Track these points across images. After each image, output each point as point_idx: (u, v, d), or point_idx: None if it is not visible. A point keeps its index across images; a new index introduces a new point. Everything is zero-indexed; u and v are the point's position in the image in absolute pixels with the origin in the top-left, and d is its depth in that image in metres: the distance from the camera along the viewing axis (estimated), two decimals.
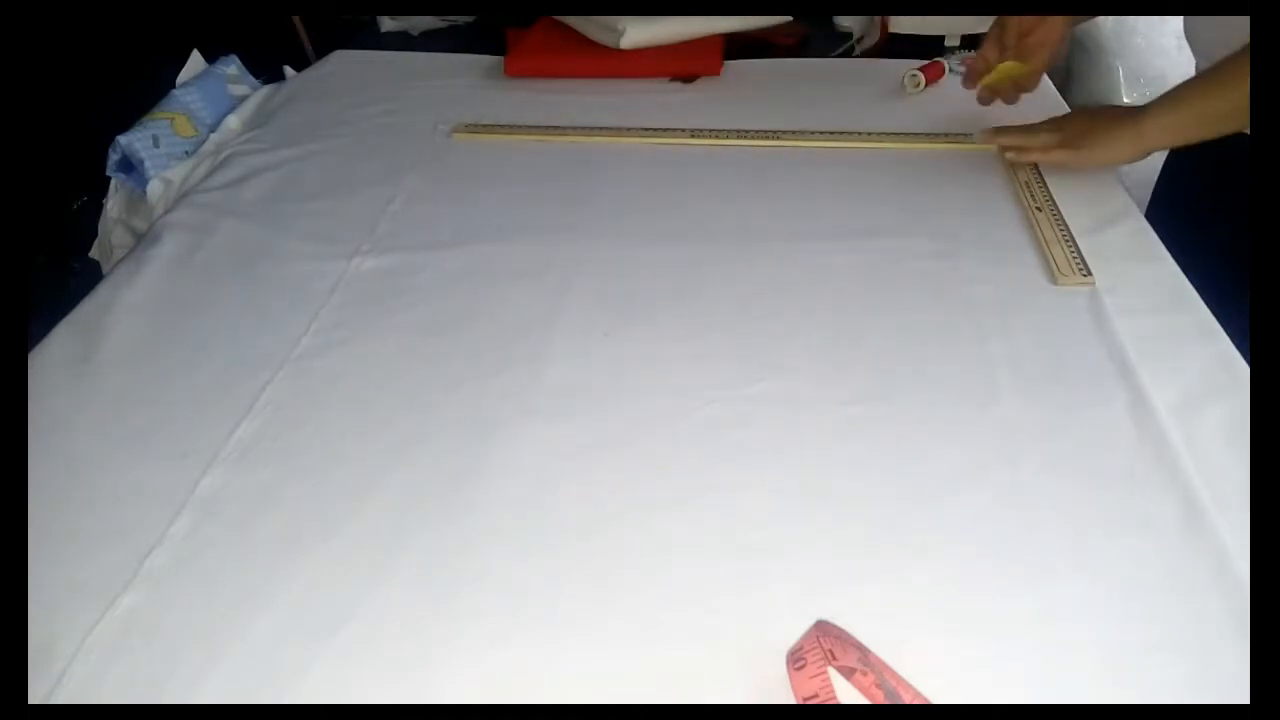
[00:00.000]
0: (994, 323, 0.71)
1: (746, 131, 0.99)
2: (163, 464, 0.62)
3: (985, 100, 0.96)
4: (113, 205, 1.06)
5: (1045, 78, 1.12)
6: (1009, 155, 0.91)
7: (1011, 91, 0.95)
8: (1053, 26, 0.90)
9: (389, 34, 1.36)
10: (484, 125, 1.04)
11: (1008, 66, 0.92)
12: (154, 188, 1.00)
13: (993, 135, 0.93)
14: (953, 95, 1.06)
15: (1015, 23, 0.90)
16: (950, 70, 1.11)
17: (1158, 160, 0.97)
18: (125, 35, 1.34)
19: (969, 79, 0.95)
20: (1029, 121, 0.92)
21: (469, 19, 1.37)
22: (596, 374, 0.68)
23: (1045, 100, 1.07)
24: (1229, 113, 0.75)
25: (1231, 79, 0.73)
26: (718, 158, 0.96)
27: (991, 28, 0.92)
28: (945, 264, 0.78)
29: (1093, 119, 0.87)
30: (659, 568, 0.54)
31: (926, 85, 1.07)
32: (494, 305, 0.76)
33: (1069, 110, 1.06)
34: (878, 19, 1.23)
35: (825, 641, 0.45)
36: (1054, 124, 0.90)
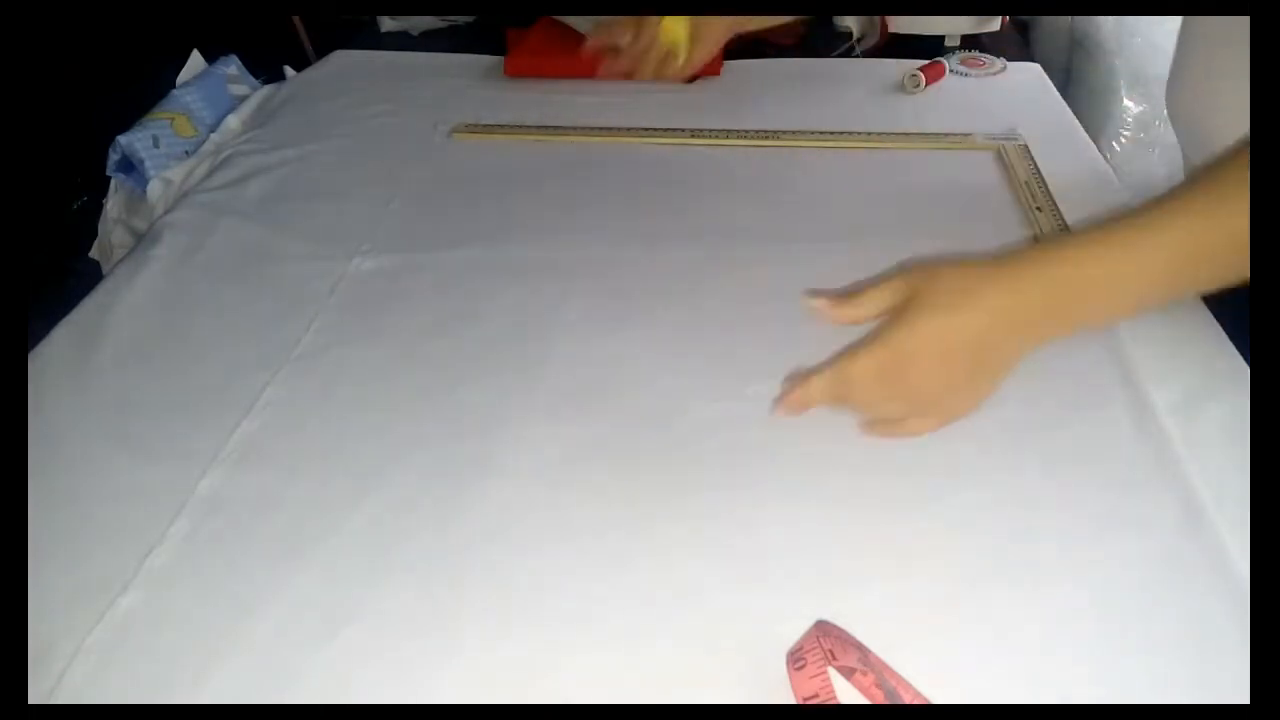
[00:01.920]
0: None
1: (746, 131, 0.99)
2: (163, 464, 0.62)
3: (598, 51, 0.89)
4: (113, 205, 1.06)
5: (1044, 76, 1.12)
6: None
7: (653, 62, 0.87)
8: (713, 26, 0.90)
9: (389, 34, 1.36)
10: (484, 125, 1.04)
11: (673, 24, 0.87)
12: (154, 188, 1.00)
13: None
14: (953, 95, 1.06)
15: None
16: (950, 70, 1.11)
17: (1157, 161, 0.96)
18: (125, 35, 1.34)
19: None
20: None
21: (469, 19, 1.37)
22: (596, 374, 0.68)
23: (1044, 99, 1.07)
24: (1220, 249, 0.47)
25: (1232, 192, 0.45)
26: (718, 158, 0.96)
27: None
28: None
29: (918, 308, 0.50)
30: (659, 567, 0.54)
31: (926, 85, 1.07)
32: (494, 305, 0.76)
33: (1067, 107, 1.05)
34: (878, 19, 1.23)
35: (825, 641, 0.45)
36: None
